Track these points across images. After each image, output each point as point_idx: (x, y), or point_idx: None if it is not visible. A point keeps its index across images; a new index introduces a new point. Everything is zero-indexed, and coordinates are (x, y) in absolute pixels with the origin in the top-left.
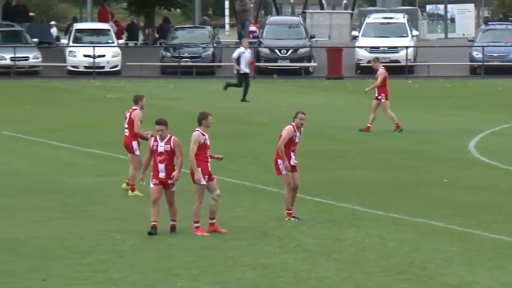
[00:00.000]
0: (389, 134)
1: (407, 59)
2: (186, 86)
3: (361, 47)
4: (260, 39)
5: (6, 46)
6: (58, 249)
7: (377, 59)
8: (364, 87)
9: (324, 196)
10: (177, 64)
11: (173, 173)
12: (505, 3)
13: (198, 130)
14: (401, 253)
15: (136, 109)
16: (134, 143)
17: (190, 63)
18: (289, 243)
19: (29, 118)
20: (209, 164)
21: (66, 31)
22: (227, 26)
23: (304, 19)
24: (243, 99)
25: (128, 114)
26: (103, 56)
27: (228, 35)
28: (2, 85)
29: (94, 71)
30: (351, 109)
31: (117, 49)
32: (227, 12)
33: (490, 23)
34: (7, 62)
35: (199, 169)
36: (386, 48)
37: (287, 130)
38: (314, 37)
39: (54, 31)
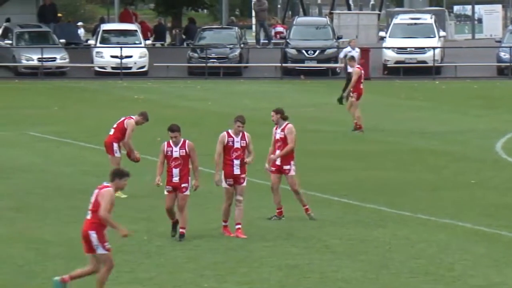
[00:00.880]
0: (416, 134)
1: (434, 60)
2: (213, 86)
3: (388, 48)
4: (287, 40)
5: (34, 46)
6: None
7: (352, 58)
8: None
9: (350, 197)
10: (204, 65)
11: (193, 183)
12: None
13: (227, 131)
14: (429, 254)
15: (132, 118)
16: (115, 145)
17: (217, 64)
18: (315, 244)
19: (56, 119)
20: (234, 168)
21: (93, 32)
22: (253, 27)
23: (331, 20)
24: (339, 100)
25: (122, 119)
26: (131, 56)
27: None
28: (30, 85)
29: (121, 72)
30: (378, 110)
31: (144, 50)
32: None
33: None
34: (35, 63)
35: (221, 171)
36: (413, 49)
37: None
38: (341, 38)
39: (81, 32)
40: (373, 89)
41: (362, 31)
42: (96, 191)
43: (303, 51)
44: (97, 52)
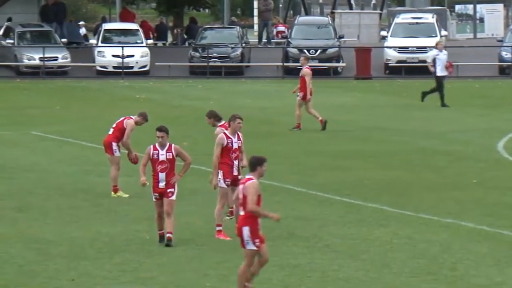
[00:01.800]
0: (417, 134)
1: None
2: (215, 86)
3: (390, 47)
4: (289, 39)
5: (35, 46)
6: (87, 249)
7: (306, 58)
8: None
9: (353, 196)
10: (205, 64)
11: (173, 177)
12: None
13: (223, 132)
14: (431, 253)
15: (132, 118)
16: (114, 144)
17: (218, 63)
18: (316, 243)
19: (58, 119)
20: (234, 169)
21: (95, 31)
22: (255, 27)
23: (333, 19)
24: (443, 105)
25: (121, 119)
26: (132, 56)
27: (257, 35)
28: (31, 85)
29: (122, 71)
30: (380, 109)
31: (146, 49)
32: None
33: None
34: (36, 62)
35: (220, 171)
36: (415, 48)
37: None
38: (342, 37)
39: (83, 31)
40: (374, 88)
41: (364, 30)
42: (241, 186)
43: (305, 51)
44: (98, 52)
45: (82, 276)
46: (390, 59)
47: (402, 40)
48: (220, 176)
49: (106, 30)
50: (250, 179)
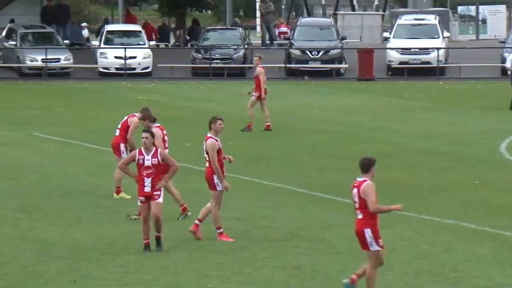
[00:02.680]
0: (420, 135)
1: (438, 61)
2: (217, 87)
3: (393, 49)
4: (291, 41)
5: (38, 47)
6: (90, 251)
7: (259, 58)
8: (395, 88)
9: None
10: (208, 65)
11: (158, 182)
12: None
13: (211, 137)
14: (433, 255)
15: (136, 115)
16: (122, 145)
17: (221, 65)
18: (319, 244)
19: (60, 120)
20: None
21: (98, 32)
22: (258, 28)
23: (335, 20)
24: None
25: (125, 118)
26: (134, 57)
27: (259, 36)
28: (34, 86)
29: (125, 73)
30: (382, 111)
31: (148, 51)
32: (258, 13)
33: None
34: (39, 63)
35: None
36: (417, 50)
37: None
38: (345, 39)
39: (85, 33)
40: (377, 90)
41: (366, 31)
42: (355, 190)
43: (307, 52)
44: (101, 53)
45: (84, 278)
46: (392, 61)
47: (405, 41)
48: (217, 180)
49: (109, 32)
50: (364, 181)
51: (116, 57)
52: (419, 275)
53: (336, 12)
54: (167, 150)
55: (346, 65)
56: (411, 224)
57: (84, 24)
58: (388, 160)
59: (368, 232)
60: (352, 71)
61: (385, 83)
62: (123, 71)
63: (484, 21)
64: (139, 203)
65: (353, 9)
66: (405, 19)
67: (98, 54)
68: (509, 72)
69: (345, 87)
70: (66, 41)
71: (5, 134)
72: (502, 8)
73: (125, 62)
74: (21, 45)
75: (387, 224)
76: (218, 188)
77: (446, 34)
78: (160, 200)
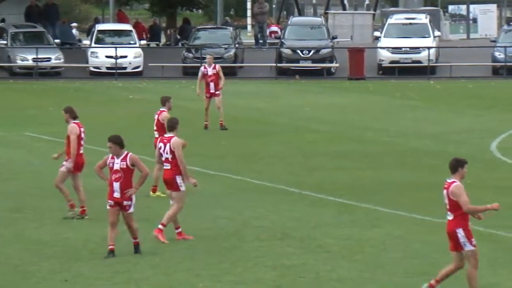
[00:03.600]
0: (411, 134)
1: (429, 60)
2: None
3: (383, 48)
4: (282, 40)
5: (29, 47)
6: (81, 250)
7: (212, 57)
8: (386, 87)
9: (346, 197)
10: (199, 65)
11: (129, 190)
12: None
13: (173, 136)
14: (424, 254)
15: (164, 110)
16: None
17: None
18: (310, 244)
19: (52, 119)
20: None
21: (88, 32)
22: (249, 27)
23: (326, 19)
24: None
25: (156, 117)
26: (125, 57)
27: (250, 36)
28: (25, 86)
29: (116, 72)
30: (373, 110)
31: (139, 50)
32: (249, 13)
33: None
34: (30, 63)
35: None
36: (408, 49)
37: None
38: (336, 38)
39: (75, 33)
40: (368, 89)
41: (357, 31)
42: (444, 192)
43: (298, 51)
44: (92, 52)
45: (75, 277)
46: (383, 60)
47: (396, 41)
48: (180, 180)
49: (99, 31)
50: (453, 182)
51: (107, 57)
52: (410, 274)
53: (327, 11)
54: (82, 148)
55: (337, 64)
56: (402, 223)
57: (73, 24)
58: (380, 159)
59: (460, 232)
60: (343, 70)
61: (376, 82)
62: (114, 71)
63: (475, 20)
64: (107, 207)
65: (344, 9)
66: (396, 19)
67: (89, 53)
68: None
69: (336, 86)
70: (57, 41)
71: None
72: (493, 7)
73: (116, 61)
74: (12, 45)
75: (378, 223)
76: (182, 189)
77: (437, 33)
78: (131, 210)
